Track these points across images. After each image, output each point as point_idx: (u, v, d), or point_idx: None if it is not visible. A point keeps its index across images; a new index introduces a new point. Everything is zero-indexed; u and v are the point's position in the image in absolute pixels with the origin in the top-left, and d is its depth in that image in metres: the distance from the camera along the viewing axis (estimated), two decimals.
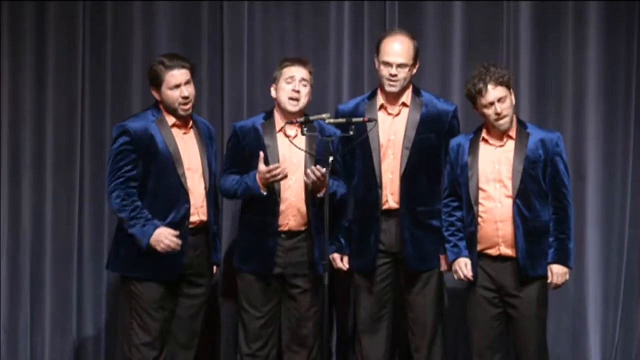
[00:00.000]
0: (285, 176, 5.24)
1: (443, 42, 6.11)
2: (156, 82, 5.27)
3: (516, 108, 5.39)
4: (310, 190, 5.27)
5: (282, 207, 5.34)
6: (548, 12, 6.09)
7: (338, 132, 5.27)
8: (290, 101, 5.32)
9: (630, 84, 6.05)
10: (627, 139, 6.06)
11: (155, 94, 5.31)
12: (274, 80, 5.40)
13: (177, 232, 5.16)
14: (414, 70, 5.39)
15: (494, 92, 5.09)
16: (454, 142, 5.30)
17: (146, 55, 6.15)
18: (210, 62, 6.19)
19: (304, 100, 5.35)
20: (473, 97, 5.13)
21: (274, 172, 5.21)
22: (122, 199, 5.18)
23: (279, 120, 5.40)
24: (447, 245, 5.25)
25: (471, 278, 5.17)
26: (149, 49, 6.18)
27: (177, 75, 5.25)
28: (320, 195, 5.22)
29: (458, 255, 5.21)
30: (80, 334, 6.19)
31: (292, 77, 5.33)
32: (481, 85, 5.09)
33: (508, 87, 5.12)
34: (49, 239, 6.19)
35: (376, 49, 5.40)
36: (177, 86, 5.24)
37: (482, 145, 5.21)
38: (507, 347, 5.29)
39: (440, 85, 6.07)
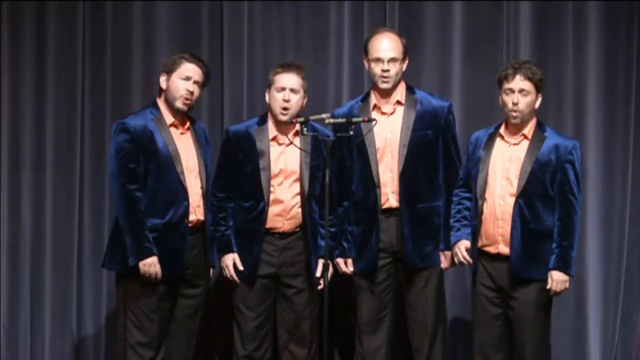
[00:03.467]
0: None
1: (443, 42, 6.11)
2: (169, 68, 5.28)
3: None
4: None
5: (277, 210, 5.35)
6: (548, 12, 6.09)
7: (331, 133, 5.30)
8: (281, 111, 5.33)
9: (630, 84, 6.05)
10: (627, 139, 6.06)
11: (162, 82, 5.29)
12: (269, 85, 5.40)
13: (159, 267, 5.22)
14: (404, 67, 5.39)
15: (519, 82, 5.09)
16: (473, 135, 5.32)
17: (146, 55, 6.16)
18: (210, 63, 6.16)
19: (294, 109, 5.33)
20: (500, 81, 5.15)
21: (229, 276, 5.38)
22: (130, 207, 5.17)
23: (272, 127, 5.40)
24: (451, 232, 5.26)
25: (470, 261, 5.17)
26: (149, 49, 6.18)
27: (192, 70, 5.28)
28: None
29: (459, 239, 5.21)
30: (80, 334, 6.19)
31: (282, 88, 5.33)
32: (510, 71, 5.12)
33: (536, 87, 5.12)
34: (49, 239, 6.19)
35: (365, 50, 5.41)
36: (188, 78, 5.26)
37: (497, 140, 5.21)
38: (509, 347, 5.28)
39: (439, 85, 6.07)
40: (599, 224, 6.05)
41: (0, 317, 6.13)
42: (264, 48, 6.17)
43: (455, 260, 5.26)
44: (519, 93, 5.10)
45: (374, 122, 5.19)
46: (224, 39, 6.18)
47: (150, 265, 5.17)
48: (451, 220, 5.28)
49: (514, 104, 5.09)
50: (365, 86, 5.99)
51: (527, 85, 5.10)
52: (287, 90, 5.32)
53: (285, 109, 5.32)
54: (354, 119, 5.19)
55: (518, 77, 5.09)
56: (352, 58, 6.11)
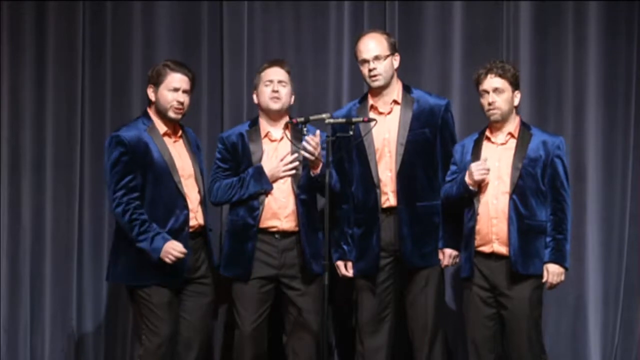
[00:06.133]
0: (295, 168, 5.34)
1: (443, 42, 6.11)
2: (156, 80, 5.28)
3: (516, 108, 5.39)
4: (308, 169, 5.32)
5: (273, 208, 5.37)
6: (548, 12, 6.09)
7: (324, 133, 5.31)
8: (272, 100, 5.38)
9: (630, 84, 6.05)
10: (627, 139, 6.05)
11: (150, 93, 5.31)
12: (255, 87, 5.46)
13: (181, 246, 5.19)
14: (396, 63, 5.39)
15: (491, 81, 5.17)
16: (458, 144, 5.36)
17: (146, 55, 6.16)
18: (210, 63, 6.20)
19: (285, 98, 5.41)
20: (475, 84, 5.23)
21: (288, 161, 5.30)
22: (130, 214, 5.16)
23: (264, 126, 5.45)
24: (452, 186, 5.23)
25: (486, 170, 5.10)
26: (149, 49, 6.19)
27: (179, 80, 5.28)
28: (315, 172, 5.26)
29: (462, 177, 5.18)
30: (80, 334, 6.19)
31: (270, 80, 5.40)
32: (482, 72, 5.19)
33: (511, 83, 5.18)
34: (49, 239, 6.19)
35: (355, 56, 5.43)
36: (176, 90, 5.26)
37: (485, 143, 5.25)
38: (503, 346, 5.29)
39: (440, 85, 6.07)
40: (599, 224, 6.04)
41: (0, 317, 6.13)
42: (264, 48, 6.18)
43: (472, 183, 5.13)
44: (494, 92, 5.16)
45: (374, 123, 5.19)
46: (224, 39, 6.19)
47: (168, 252, 5.15)
48: (447, 186, 5.26)
49: (490, 104, 5.15)
50: (365, 86, 5.99)
51: (500, 82, 5.16)
52: (274, 82, 5.38)
53: (276, 97, 5.37)
54: (354, 119, 5.20)
55: (490, 76, 5.17)
56: (352, 58, 6.08)
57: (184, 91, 5.29)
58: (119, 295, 6.06)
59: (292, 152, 5.38)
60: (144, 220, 5.17)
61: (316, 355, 5.41)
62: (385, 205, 5.37)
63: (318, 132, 5.26)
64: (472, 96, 5.74)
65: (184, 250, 5.18)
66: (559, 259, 5.14)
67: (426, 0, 6.13)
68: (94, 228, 6.20)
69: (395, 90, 5.41)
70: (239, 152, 5.43)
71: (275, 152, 5.41)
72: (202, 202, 5.36)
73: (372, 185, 5.36)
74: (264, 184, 5.35)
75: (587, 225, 6.03)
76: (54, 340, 6.17)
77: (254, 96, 5.47)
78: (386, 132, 5.38)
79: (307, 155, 5.23)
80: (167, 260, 5.16)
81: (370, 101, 5.44)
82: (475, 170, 5.14)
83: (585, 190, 6.02)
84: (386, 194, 5.37)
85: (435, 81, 6.10)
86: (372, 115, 5.37)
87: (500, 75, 5.16)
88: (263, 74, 5.43)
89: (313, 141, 5.20)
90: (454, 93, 6.06)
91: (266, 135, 5.44)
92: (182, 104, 5.27)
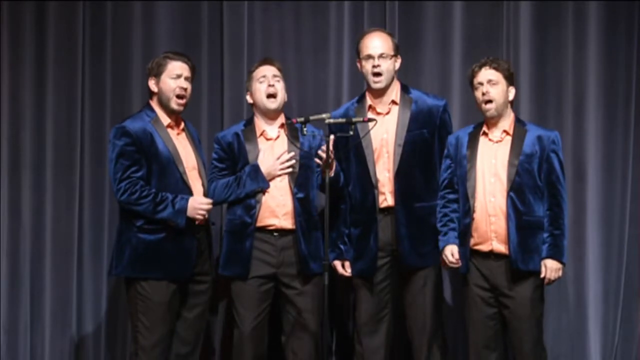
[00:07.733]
0: (292, 166, 5.34)
1: (443, 42, 6.11)
2: (157, 70, 5.30)
3: (516, 108, 5.39)
4: (321, 171, 5.30)
5: (272, 206, 5.37)
6: (548, 12, 6.09)
7: (321, 132, 5.32)
8: (269, 99, 5.39)
9: (630, 84, 6.05)
10: (627, 139, 6.05)
11: (152, 85, 5.32)
12: (247, 88, 5.48)
13: (205, 199, 5.25)
14: (397, 65, 5.40)
15: (485, 73, 5.19)
16: (452, 136, 5.35)
17: (146, 55, 6.15)
18: (210, 62, 6.20)
19: (281, 95, 5.42)
20: (470, 80, 5.24)
21: (285, 159, 5.31)
22: (140, 192, 5.17)
23: (259, 126, 5.45)
24: (439, 236, 5.27)
25: (458, 263, 5.18)
26: (149, 49, 6.19)
27: (180, 67, 5.32)
28: (331, 174, 5.23)
29: (446, 244, 5.23)
30: (80, 334, 6.19)
31: (264, 76, 5.40)
32: (476, 67, 5.22)
33: (505, 77, 5.19)
34: (49, 239, 6.19)
35: (357, 53, 5.44)
36: (179, 76, 5.29)
37: (481, 139, 5.25)
38: (504, 346, 5.29)
39: (440, 85, 6.08)
40: (599, 224, 6.04)
41: (0, 317, 6.13)
42: (264, 48, 6.18)
43: (445, 268, 5.29)
44: (488, 84, 5.18)
45: (373, 122, 5.18)
46: (224, 39, 6.19)
47: (197, 208, 5.19)
48: (439, 224, 5.29)
49: (484, 94, 5.15)
50: (365, 86, 5.99)
51: (494, 75, 5.19)
52: (269, 77, 5.39)
53: (272, 94, 5.38)
54: (354, 119, 5.20)
55: (484, 69, 5.20)
56: (352, 58, 6.10)
57: (186, 78, 5.31)
58: (119, 295, 6.06)
59: (289, 151, 5.39)
60: (156, 192, 5.18)
61: (315, 355, 5.41)
62: (382, 206, 5.37)
63: (332, 137, 5.22)
64: (472, 96, 5.74)
65: (210, 200, 5.23)
66: (556, 255, 5.15)
67: (426, 0, 6.14)
68: (94, 228, 6.20)
69: (394, 91, 5.42)
70: (235, 151, 5.43)
71: (272, 150, 5.41)
72: (206, 195, 5.36)
73: (370, 186, 5.37)
74: (261, 182, 5.34)
75: (587, 225, 6.03)
76: (54, 340, 6.17)
77: (247, 97, 5.48)
78: (384, 132, 5.38)
79: (321, 162, 5.22)
80: (197, 217, 5.18)
81: (369, 101, 5.44)
82: (444, 260, 5.22)
83: (585, 190, 6.03)
84: (384, 194, 5.37)
85: (435, 81, 6.10)
86: (370, 115, 5.37)
87: (495, 69, 5.18)
88: (255, 72, 5.44)
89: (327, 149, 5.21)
90: (454, 93, 6.06)
91: (262, 134, 5.44)
92: (185, 90, 5.29)
